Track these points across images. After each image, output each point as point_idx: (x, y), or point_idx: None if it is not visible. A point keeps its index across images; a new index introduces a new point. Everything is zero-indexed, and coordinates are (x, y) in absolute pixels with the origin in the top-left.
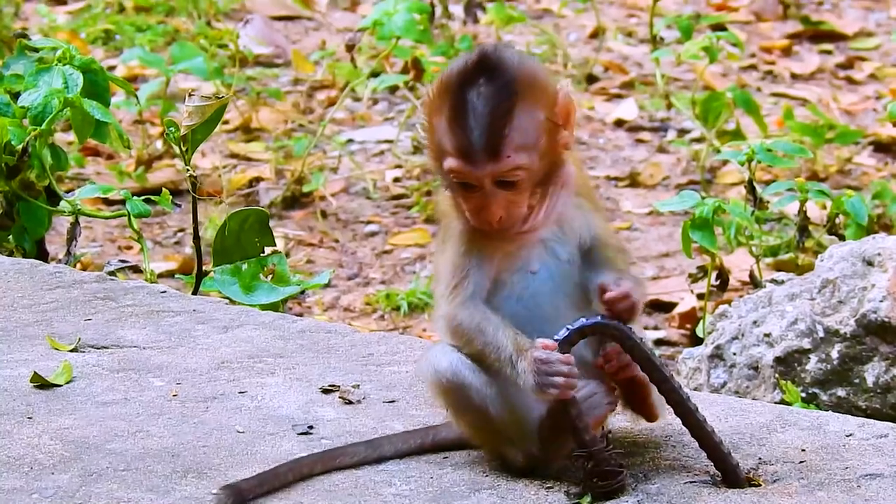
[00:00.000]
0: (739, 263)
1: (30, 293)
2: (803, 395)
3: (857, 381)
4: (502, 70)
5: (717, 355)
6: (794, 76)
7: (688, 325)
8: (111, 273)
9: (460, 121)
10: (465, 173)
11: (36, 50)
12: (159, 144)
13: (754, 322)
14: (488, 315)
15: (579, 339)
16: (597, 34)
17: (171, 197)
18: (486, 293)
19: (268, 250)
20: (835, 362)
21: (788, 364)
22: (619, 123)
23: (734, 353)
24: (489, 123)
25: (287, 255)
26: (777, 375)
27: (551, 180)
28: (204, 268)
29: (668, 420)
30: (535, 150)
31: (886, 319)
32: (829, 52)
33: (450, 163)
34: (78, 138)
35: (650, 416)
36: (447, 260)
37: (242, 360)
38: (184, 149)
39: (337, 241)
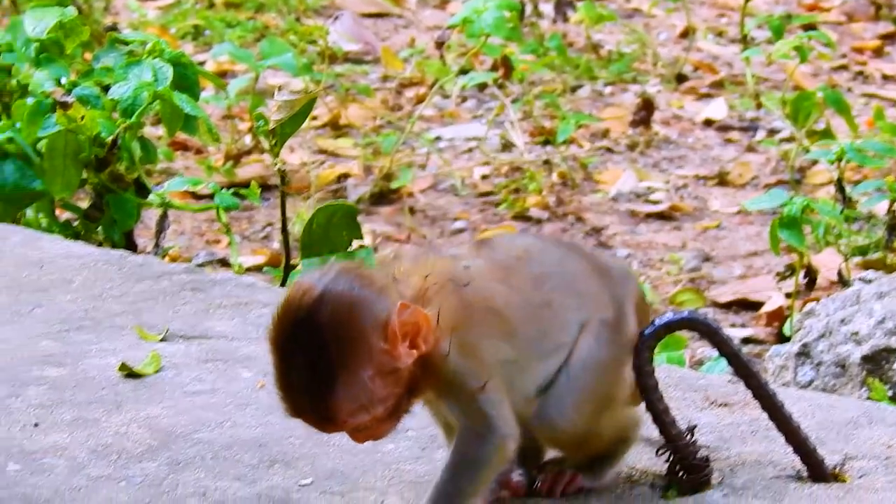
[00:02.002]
0: (828, 263)
1: (119, 284)
2: (890, 393)
3: None
4: (321, 335)
5: (804, 353)
6: (886, 77)
7: (775, 324)
8: (199, 265)
9: (287, 392)
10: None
11: (126, 43)
12: (248, 140)
13: (842, 320)
14: None
15: (666, 333)
16: (687, 33)
17: (259, 190)
18: None
19: (355, 244)
20: None
21: (876, 362)
22: (709, 123)
23: (821, 352)
24: (313, 399)
25: (375, 250)
26: (864, 373)
27: (423, 381)
28: (291, 261)
29: (755, 415)
30: (377, 402)
31: None
32: None
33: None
34: (167, 131)
35: None
36: None
37: None
38: (272, 143)
39: (424, 237)
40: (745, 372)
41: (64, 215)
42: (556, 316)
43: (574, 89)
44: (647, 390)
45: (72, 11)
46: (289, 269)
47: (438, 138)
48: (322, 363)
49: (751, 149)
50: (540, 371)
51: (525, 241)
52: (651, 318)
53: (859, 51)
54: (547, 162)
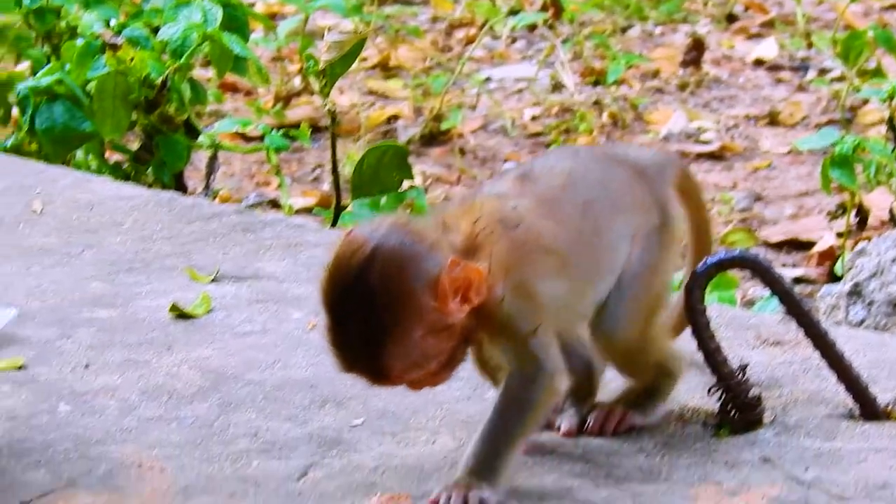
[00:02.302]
0: (879, 202)
1: (169, 225)
2: None
3: None
4: (375, 294)
5: (855, 292)
6: None
7: (826, 263)
8: (250, 207)
9: (338, 349)
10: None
11: None
12: (297, 81)
13: (893, 259)
14: None
15: (717, 272)
16: None
17: (309, 131)
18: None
19: (406, 185)
20: None
21: None
22: (759, 63)
23: (873, 291)
24: (366, 357)
25: (425, 192)
26: None
27: (476, 329)
28: (342, 202)
29: (806, 354)
30: (430, 358)
31: None
32: None
33: None
34: (217, 73)
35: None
36: None
37: None
38: (322, 84)
39: (475, 178)
40: (797, 310)
41: (114, 157)
42: (607, 240)
43: (624, 29)
44: (699, 329)
45: None
46: (339, 210)
47: (488, 79)
48: (373, 323)
49: (801, 88)
50: (595, 294)
51: (564, 164)
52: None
53: None
54: (597, 102)
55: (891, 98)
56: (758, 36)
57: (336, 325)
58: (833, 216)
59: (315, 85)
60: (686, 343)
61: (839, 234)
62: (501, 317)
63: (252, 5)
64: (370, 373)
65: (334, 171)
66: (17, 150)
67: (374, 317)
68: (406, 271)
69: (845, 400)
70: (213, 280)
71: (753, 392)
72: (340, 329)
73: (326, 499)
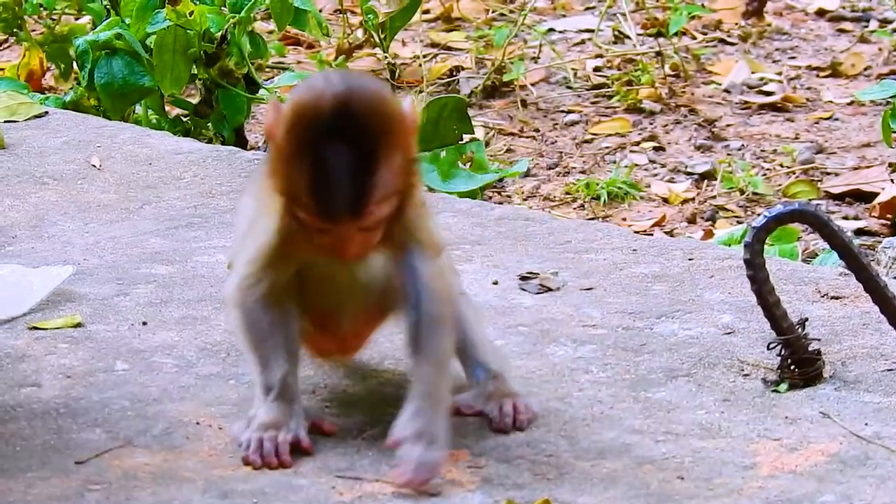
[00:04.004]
0: None
1: (228, 180)
2: None
3: None
4: (362, 120)
5: None
6: None
7: (888, 215)
8: None
9: (318, 180)
10: (321, 227)
11: None
12: (359, 34)
13: None
14: (274, 327)
15: (776, 226)
16: None
17: None
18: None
19: (466, 138)
20: None
21: None
22: (821, 13)
23: None
24: (351, 186)
25: (487, 144)
26: None
27: (403, 206)
28: None
29: (866, 308)
30: (393, 195)
31: None
32: None
33: (304, 216)
34: (277, 26)
35: None
36: (256, 237)
37: None
38: (383, 36)
39: (537, 130)
40: (857, 264)
41: (173, 111)
42: None
43: None
44: (759, 283)
45: None
46: None
47: (551, 30)
48: (367, 151)
49: (863, 39)
50: None
51: None
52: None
53: None
54: (659, 54)
55: None
56: None
57: (323, 157)
58: (895, 168)
59: (376, 38)
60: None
61: None
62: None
63: None
64: (353, 202)
65: None
66: (75, 105)
67: (366, 141)
68: (386, 100)
69: None
70: None
71: (813, 347)
72: (328, 160)
73: (386, 453)
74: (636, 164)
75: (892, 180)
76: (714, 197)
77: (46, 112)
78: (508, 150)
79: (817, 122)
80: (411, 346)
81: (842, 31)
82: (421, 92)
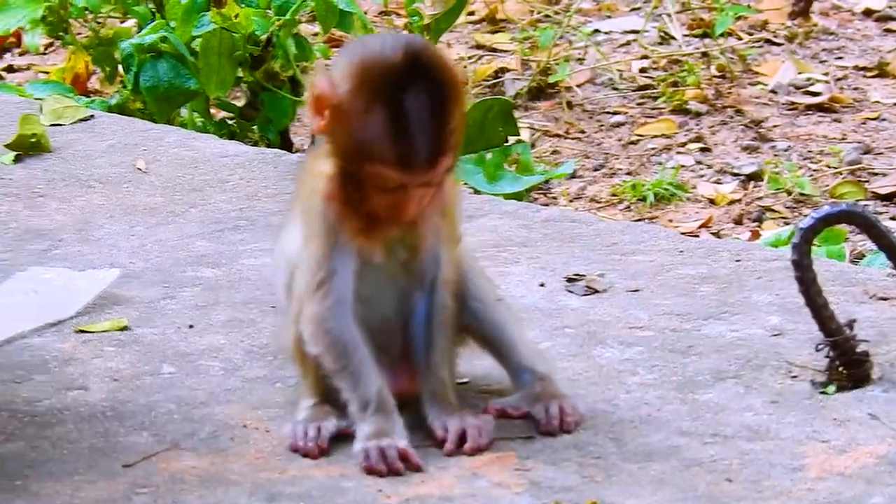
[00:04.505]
0: None
1: (274, 183)
2: None
3: None
4: (435, 72)
5: None
6: None
7: None
8: None
9: (400, 131)
10: (398, 180)
11: None
12: None
13: None
14: (357, 341)
15: (824, 227)
16: None
17: None
18: (350, 294)
19: (512, 140)
20: None
21: None
22: (868, 13)
23: None
24: (432, 134)
25: (533, 145)
26: None
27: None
28: None
29: None
30: (456, 149)
31: None
32: None
33: (381, 170)
34: (322, 28)
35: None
36: (312, 251)
37: (486, 250)
38: (427, 38)
39: (583, 131)
40: None
41: (219, 114)
42: None
43: None
44: (806, 284)
45: None
46: None
47: (596, 31)
48: (443, 101)
49: None
50: None
51: None
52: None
53: None
54: (705, 54)
55: None
56: None
57: (407, 108)
58: None
59: None
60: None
61: None
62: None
63: None
64: (430, 154)
65: None
66: (121, 108)
67: (442, 93)
68: (444, 55)
69: None
70: None
71: (861, 348)
72: (414, 113)
73: (432, 457)
74: (682, 166)
75: None
76: (761, 198)
77: (92, 115)
78: (554, 152)
79: (864, 123)
80: (422, 334)
81: (889, 30)
82: (466, 94)
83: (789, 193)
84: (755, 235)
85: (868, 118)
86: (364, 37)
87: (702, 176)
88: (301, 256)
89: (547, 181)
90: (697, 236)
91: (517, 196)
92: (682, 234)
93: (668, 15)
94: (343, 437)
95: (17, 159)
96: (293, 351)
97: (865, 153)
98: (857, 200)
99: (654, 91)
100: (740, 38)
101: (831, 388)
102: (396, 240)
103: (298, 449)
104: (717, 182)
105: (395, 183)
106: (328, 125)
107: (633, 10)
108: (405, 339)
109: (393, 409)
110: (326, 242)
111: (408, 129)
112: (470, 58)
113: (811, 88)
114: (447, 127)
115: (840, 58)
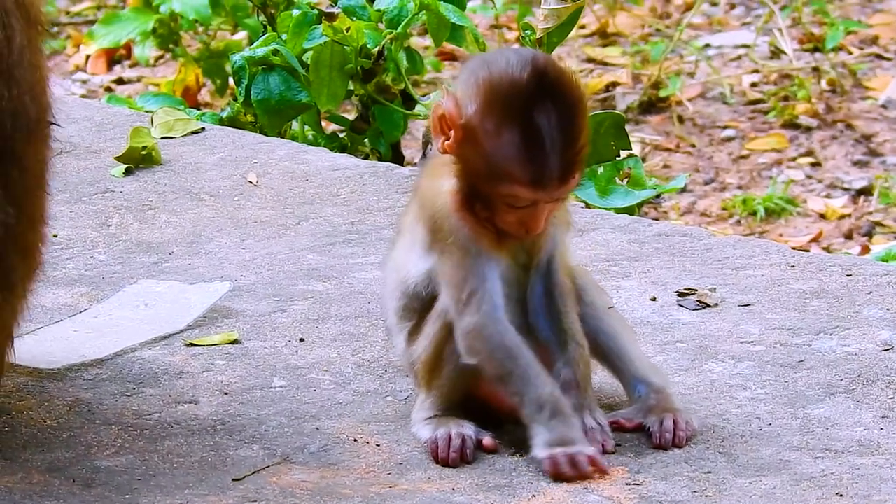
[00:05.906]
0: None
1: (385, 196)
2: None
3: None
4: (563, 89)
5: None
6: None
7: None
8: None
9: (532, 150)
10: (531, 198)
11: None
12: None
13: None
14: (518, 340)
15: None
16: None
17: None
18: (502, 300)
19: (623, 154)
20: None
21: None
22: None
23: None
24: (564, 150)
25: (643, 159)
26: None
27: None
28: None
29: None
30: (585, 160)
31: None
32: None
33: (516, 189)
34: (434, 42)
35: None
36: (456, 265)
37: (598, 264)
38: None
39: (693, 145)
40: None
41: (330, 127)
42: None
43: None
44: None
45: None
46: None
47: (707, 46)
48: (573, 117)
49: None
50: None
51: None
52: None
53: None
54: (816, 69)
55: None
56: None
57: (537, 126)
58: None
59: None
60: None
61: None
62: None
63: None
64: (562, 170)
65: None
66: (232, 121)
67: (572, 110)
68: (570, 71)
69: None
70: None
71: None
72: (542, 128)
73: (538, 473)
74: (793, 180)
75: None
76: (871, 213)
77: (203, 128)
78: (665, 166)
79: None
80: (543, 314)
81: None
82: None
83: None
84: (865, 250)
85: None
86: (485, 54)
87: (812, 190)
88: (418, 269)
89: (658, 195)
90: (808, 251)
91: (629, 210)
92: (793, 248)
93: (779, 29)
94: None
95: (127, 172)
96: (422, 363)
97: None
98: None
99: (765, 105)
100: (851, 53)
101: None
102: (518, 245)
103: (440, 458)
104: (828, 196)
105: (528, 201)
106: (454, 145)
107: (744, 24)
108: (526, 329)
109: (570, 412)
110: (467, 254)
111: (540, 148)
112: (581, 71)
113: None
114: (577, 143)
115: None
